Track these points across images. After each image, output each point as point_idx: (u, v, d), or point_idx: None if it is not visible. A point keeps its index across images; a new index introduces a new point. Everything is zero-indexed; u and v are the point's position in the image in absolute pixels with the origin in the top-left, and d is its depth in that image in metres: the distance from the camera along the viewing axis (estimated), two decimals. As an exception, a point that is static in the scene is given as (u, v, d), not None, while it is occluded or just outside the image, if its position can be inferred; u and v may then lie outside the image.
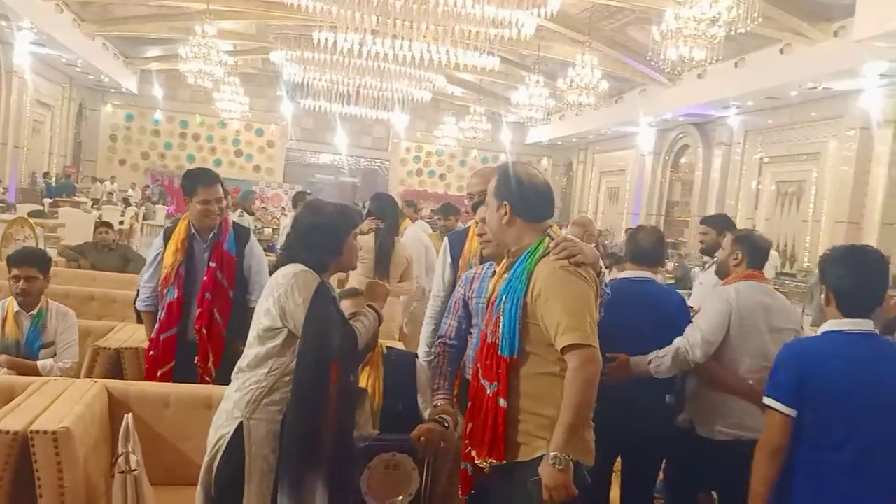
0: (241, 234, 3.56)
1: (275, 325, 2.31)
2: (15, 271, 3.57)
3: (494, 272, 2.29)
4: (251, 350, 2.37)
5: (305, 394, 2.23)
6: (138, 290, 3.61)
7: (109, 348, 3.58)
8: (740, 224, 15.00)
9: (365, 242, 4.78)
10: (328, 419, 2.24)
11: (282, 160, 26.51)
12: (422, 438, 2.44)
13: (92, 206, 15.87)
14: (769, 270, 5.29)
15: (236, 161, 26.10)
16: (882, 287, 2.31)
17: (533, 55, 16.66)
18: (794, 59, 12.30)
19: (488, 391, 2.13)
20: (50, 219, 12.04)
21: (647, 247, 3.24)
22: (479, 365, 2.20)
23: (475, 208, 2.91)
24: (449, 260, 3.18)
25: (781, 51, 12.56)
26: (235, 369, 2.39)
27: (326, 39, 13.71)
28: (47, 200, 15.43)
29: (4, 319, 3.57)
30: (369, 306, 2.52)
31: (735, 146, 16.66)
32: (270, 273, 2.58)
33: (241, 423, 2.28)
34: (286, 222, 8.48)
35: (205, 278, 3.38)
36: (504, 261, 2.27)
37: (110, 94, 24.58)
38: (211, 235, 3.44)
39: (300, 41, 17.04)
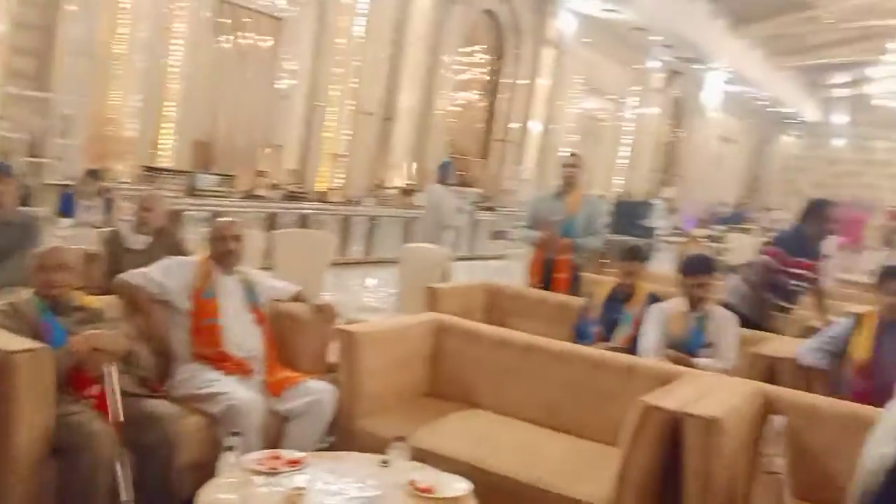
0: None
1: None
2: (692, 280, 3.82)
3: None
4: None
5: None
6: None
7: (767, 356, 3.57)
8: None
9: None
10: None
11: None
12: None
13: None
14: None
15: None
16: None
17: None
18: None
19: None
20: (719, 243, 12.95)
21: None
22: None
23: None
24: None
25: None
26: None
27: None
28: (719, 228, 16.47)
29: (673, 318, 3.87)
30: None
31: None
32: None
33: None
34: None
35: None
36: None
37: (789, 125, 24.67)
38: None
39: None
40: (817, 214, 4.74)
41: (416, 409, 3.29)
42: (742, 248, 11.49)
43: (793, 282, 4.69)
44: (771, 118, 23.81)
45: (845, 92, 22.62)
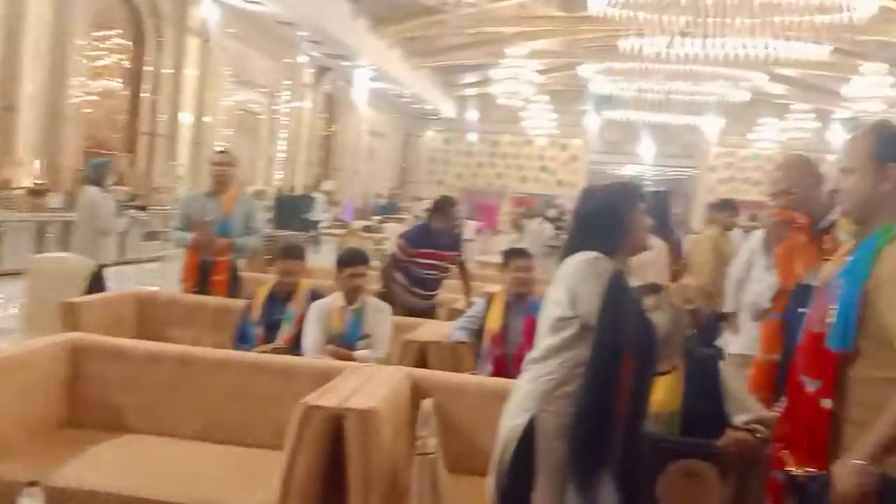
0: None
1: (566, 315, 2.22)
2: (348, 270, 3.93)
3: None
4: (543, 341, 2.30)
5: (596, 387, 2.10)
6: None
7: (417, 341, 3.81)
8: None
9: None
10: (619, 415, 2.08)
11: (583, 174, 26.76)
12: (731, 449, 2.17)
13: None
14: None
15: (540, 176, 26.90)
16: None
17: (871, 41, 14.66)
18: None
19: (809, 389, 1.80)
20: (377, 233, 13.63)
21: None
22: (800, 358, 1.89)
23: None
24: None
25: None
26: (526, 360, 2.34)
27: (633, 47, 13.54)
28: (376, 218, 17.37)
29: (332, 313, 3.95)
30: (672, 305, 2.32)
31: None
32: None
33: (533, 415, 2.21)
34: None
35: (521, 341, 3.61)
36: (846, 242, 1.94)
37: (431, 120, 26.84)
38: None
39: (606, 52, 17.05)
40: (441, 210, 5.24)
41: (54, 444, 2.90)
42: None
43: (425, 271, 5.13)
44: (414, 114, 25.67)
45: (474, 91, 25.29)
